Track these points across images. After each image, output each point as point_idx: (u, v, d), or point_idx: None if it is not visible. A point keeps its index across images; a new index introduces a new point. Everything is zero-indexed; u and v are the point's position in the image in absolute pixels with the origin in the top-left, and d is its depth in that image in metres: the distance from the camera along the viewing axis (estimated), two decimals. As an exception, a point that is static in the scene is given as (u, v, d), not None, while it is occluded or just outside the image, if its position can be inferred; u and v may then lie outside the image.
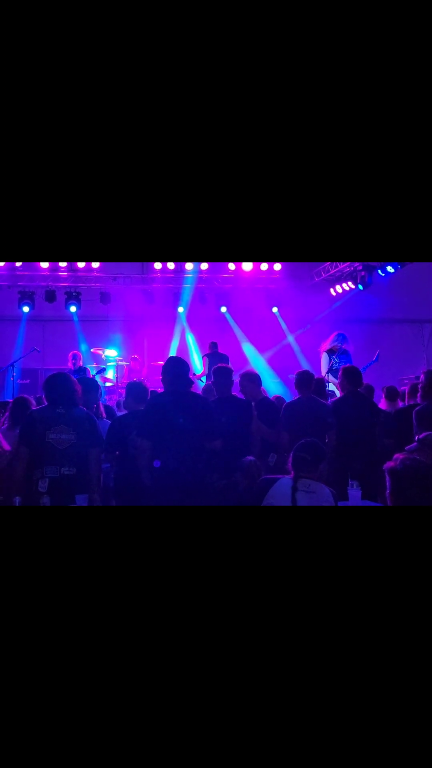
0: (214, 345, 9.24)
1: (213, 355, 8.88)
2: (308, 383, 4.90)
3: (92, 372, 9.06)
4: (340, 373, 5.19)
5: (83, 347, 10.83)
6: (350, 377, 5.10)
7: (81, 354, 8.91)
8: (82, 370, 8.62)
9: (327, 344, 8.31)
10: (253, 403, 4.65)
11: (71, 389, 3.80)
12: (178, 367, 3.89)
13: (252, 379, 5.00)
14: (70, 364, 8.70)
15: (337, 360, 8.06)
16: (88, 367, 9.74)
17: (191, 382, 4.05)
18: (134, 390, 4.60)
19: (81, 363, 8.86)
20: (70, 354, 8.84)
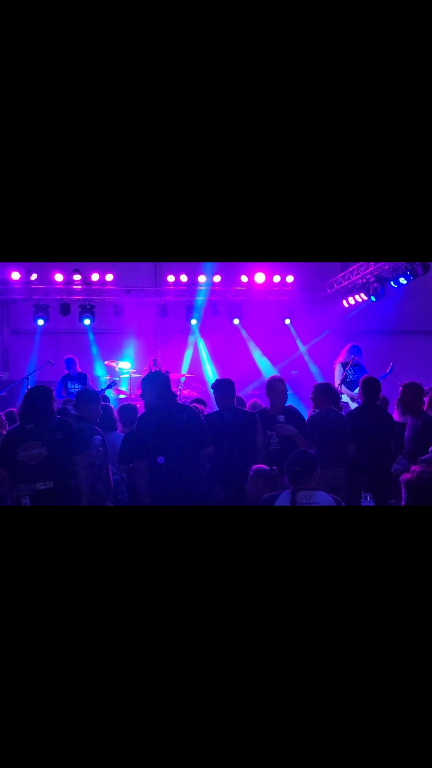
0: (154, 362, 8.95)
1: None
2: (330, 396, 4.92)
3: (103, 384, 8.86)
4: (359, 384, 5.20)
5: (97, 360, 10.84)
6: (368, 389, 5.07)
7: (77, 359, 8.65)
8: (83, 377, 8.46)
9: (341, 357, 8.42)
10: (257, 416, 4.61)
11: (40, 402, 3.77)
12: (158, 382, 3.89)
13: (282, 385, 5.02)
14: (65, 370, 8.47)
15: (351, 372, 8.10)
16: (102, 379, 9.75)
17: (174, 395, 4.06)
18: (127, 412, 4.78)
19: (79, 368, 8.56)
20: (65, 359, 8.58)
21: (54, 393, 3.95)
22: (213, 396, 4.68)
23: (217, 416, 4.44)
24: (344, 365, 8.10)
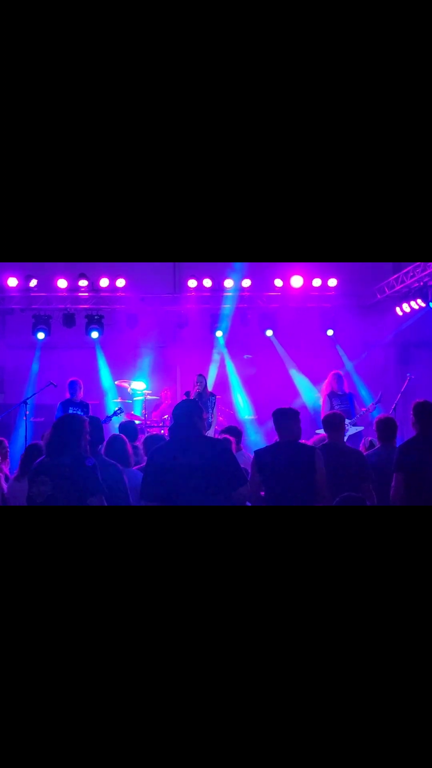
0: (200, 378, 8.56)
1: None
2: (338, 426, 5.08)
3: (112, 409, 8.64)
4: (411, 410, 5.02)
5: (107, 379, 10.51)
6: (422, 416, 4.88)
7: (82, 384, 8.35)
8: (85, 407, 8.21)
9: (326, 386, 8.43)
10: (318, 450, 4.61)
11: (63, 434, 3.78)
12: (182, 410, 3.92)
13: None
14: (67, 395, 8.18)
15: (338, 403, 8.28)
16: (114, 402, 9.56)
17: (201, 426, 3.95)
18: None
19: (82, 394, 8.30)
20: (68, 381, 8.29)
21: (86, 425, 3.91)
22: (274, 426, 4.67)
23: (274, 449, 4.53)
24: (331, 396, 8.34)
